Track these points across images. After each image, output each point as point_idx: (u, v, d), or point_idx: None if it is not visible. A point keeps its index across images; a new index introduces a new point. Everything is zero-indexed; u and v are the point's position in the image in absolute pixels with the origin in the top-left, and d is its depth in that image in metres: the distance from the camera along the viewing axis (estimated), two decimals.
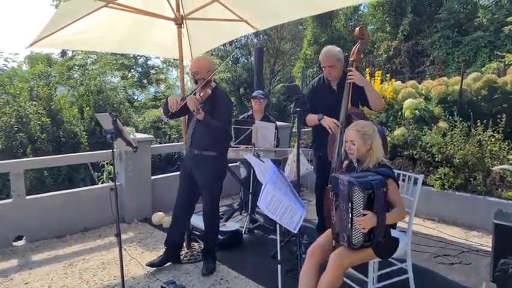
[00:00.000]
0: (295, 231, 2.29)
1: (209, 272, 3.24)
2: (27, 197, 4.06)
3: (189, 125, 3.33)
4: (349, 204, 2.17)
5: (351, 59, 3.15)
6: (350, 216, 2.18)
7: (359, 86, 3.12)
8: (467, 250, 3.62)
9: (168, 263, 3.40)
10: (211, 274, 3.24)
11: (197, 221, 3.81)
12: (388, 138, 5.05)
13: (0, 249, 3.84)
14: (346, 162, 2.61)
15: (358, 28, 3.20)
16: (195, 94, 3.05)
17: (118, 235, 2.72)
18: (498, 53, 7.79)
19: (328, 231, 2.53)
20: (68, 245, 3.97)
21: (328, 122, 3.15)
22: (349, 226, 2.20)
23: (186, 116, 3.55)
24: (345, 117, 3.08)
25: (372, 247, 2.27)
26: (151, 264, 3.31)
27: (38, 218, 4.06)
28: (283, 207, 2.22)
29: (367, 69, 6.80)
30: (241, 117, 4.86)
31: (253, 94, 4.66)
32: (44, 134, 7.72)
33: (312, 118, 3.30)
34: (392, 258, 2.53)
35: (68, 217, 4.22)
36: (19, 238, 4.08)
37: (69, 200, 4.28)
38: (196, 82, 3.18)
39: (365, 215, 2.14)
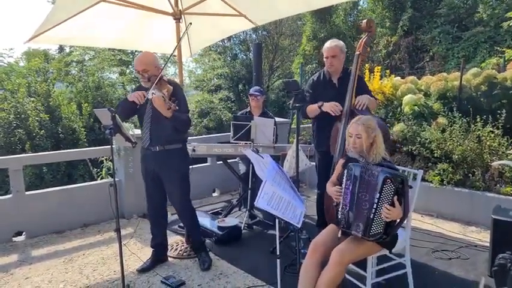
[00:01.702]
0: (299, 226, 2.30)
1: (207, 266, 3.25)
2: (26, 193, 4.06)
3: (143, 123, 3.16)
4: (378, 194, 2.19)
5: (357, 52, 3.13)
6: (374, 206, 2.20)
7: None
8: (465, 245, 3.63)
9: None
10: (210, 267, 3.25)
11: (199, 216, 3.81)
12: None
13: (1, 244, 3.85)
14: (342, 160, 2.58)
15: (365, 20, 3.17)
16: (149, 91, 2.87)
17: (118, 230, 2.72)
18: (498, 48, 7.79)
19: (330, 228, 2.53)
20: (67, 241, 3.98)
21: (328, 106, 3.15)
22: (371, 216, 2.21)
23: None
24: (348, 113, 3.08)
25: (383, 240, 2.29)
26: (142, 270, 3.24)
27: (38, 214, 4.06)
28: (284, 202, 2.23)
29: (366, 65, 6.78)
30: (239, 113, 4.85)
31: (250, 91, 4.66)
32: (43, 130, 7.71)
33: (312, 108, 3.30)
34: (391, 253, 2.53)
35: (67, 213, 4.23)
36: (19, 234, 4.08)
37: (69, 196, 4.28)
38: (148, 80, 2.96)
39: (393, 206, 2.16)
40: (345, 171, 2.38)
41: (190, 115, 3.22)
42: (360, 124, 2.42)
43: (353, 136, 2.43)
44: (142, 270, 3.24)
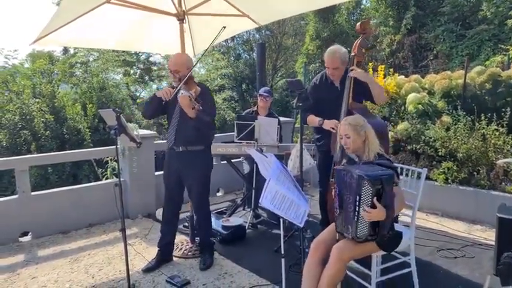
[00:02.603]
0: (301, 225, 2.30)
1: (207, 266, 3.27)
2: (32, 193, 4.09)
3: (171, 123, 3.23)
4: (357, 197, 2.17)
5: (352, 54, 3.16)
6: (357, 208, 2.18)
7: (360, 81, 3.12)
8: (470, 244, 3.62)
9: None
10: (209, 268, 3.26)
11: None
12: (391, 133, 5.05)
13: (7, 244, 3.88)
14: (344, 160, 2.61)
15: (359, 23, 3.19)
16: (178, 91, 2.95)
17: (123, 230, 2.74)
18: (502, 46, 7.75)
19: (332, 226, 2.54)
20: (73, 241, 4.01)
21: (329, 124, 3.17)
22: (355, 218, 2.20)
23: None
24: (346, 113, 3.09)
25: (376, 241, 2.28)
26: (147, 270, 3.25)
27: (44, 214, 4.09)
28: (287, 202, 2.23)
29: (370, 64, 6.77)
30: (245, 112, 4.87)
31: (260, 92, 4.68)
32: (48, 131, 7.75)
33: (312, 120, 3.33)
34: (396, 252, 2.53)
35: (72, 213, 4.25)
36: (25, 234, 4.11)
37: (74, 196, 4.31)
38: (179, 80, 3.05)
39: (375, 207, 2.13)
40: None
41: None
42: (346, 124, 2.44)
43: (343, 137, 2.45)
44: (147, 270, 3.26)
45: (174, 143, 3.20)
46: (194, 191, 3.28)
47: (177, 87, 2.99)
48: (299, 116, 3.41)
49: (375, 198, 2.13)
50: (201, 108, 2.91)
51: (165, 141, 7.25)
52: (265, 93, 4.59)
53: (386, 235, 2.25)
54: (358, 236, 2.22)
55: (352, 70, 3.10)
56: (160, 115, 3.46)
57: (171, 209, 3.38)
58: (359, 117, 2.49)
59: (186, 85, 2.98)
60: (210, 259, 3.35)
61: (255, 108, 4.71)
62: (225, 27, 3.21)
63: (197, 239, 3.74)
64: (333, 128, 3.13)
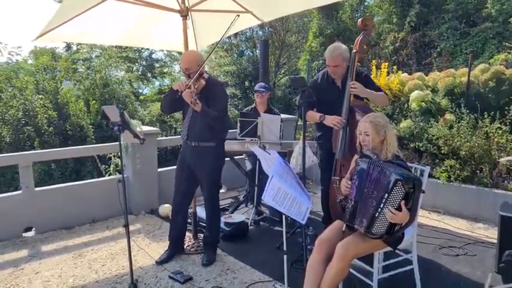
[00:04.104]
0: (303, 222, 2.31)
1: (210, 262, 3.29)
2: (36, 189, 4.12)
3: (185, 118, 3.33)
4: (386, 194, 2.15)
5: (354, 50, 3.14)
6: (381, 205, 2.17)
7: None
8: (472, 242, 3.62)
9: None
10: (210, 265, 3.27)
11: (203, 212, 3.84)
12: (394, 131, 5.03)
13: (11, 240, 3.91)
14: (356, 156, 2.60)
15: (360, 19, 3.18)
16: (189, 88, 3.05)
17: (126, 226, 2.76)
18: (506, 44, 7.70)
19: (336, 224, 2.54)
20: (76, 236, 4.03)
21: (330, 120, 3.16)
22: (376, 215, 2.19)
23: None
24: (347, 111, 3.09)
25: (385, 239, 2.28)
26: (161, 262, 3.31)
27: (47, 210, 4.12)
28: (290, 199, 2.24)
29: (373, 61, 6.75)
30: (244, 110, 4.87)
31: (255, 88, 4.67)
32: (51, 127, 7.79)
33: (312, 116, 3.31)
34: (398, 249, 2.54)
35: (76, 209, 4.28)
36: (28, 229, 4.14)
37: (78, 192, 4.33)
38: (189, 76, 3.15)
39: (400, 209, 2.12)
40: (356, 167, 2.39)
41: None
42: (367, 122, 2.43)
43: (362, 134, 2.45)
44: (161, 262, 3.31)
45: (187, 137, 3.27)
46: (205, 187, 3.33)
47: (187, 83, 3.07)
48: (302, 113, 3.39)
49: (402, 199, 2.12)
50: (198, 102, 2.99)
51: (168, 138, 7.29)
52: (260, 89, 4.57)
53: (401, 237, 2.26)
54: (373, 232, 2.22)
55: (352, 84, 3.05)
56: (178, 110, 3.50)
57: (179, 199, 3.41)
58: (381, 117, 2.49)
59: (194, 81, 3.07)
60: (213, 255, 3.37)
61: (254, 106, 4.70)
62: (239, 16, 3.29)
63: (200, 235, 3.76)
64: (334, 125, 3.13)
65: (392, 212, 2.13)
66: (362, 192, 2.30)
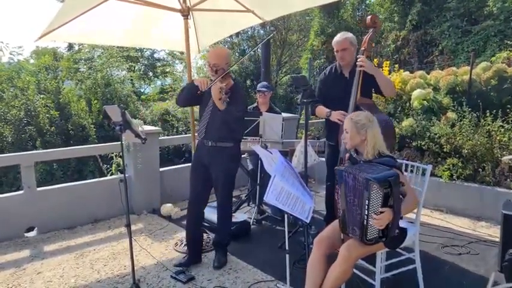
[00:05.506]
0: (307, 221, 2.30)
1: (221, 265, 3.25)
2: (38, 189, 4.12)
3: (203, 115, 3.23)
4: (366, 201, 2.11)
5: (362, 48, 3.12)
6: (366, 213, 2.13)
7: (370, 74, 3.10)
8: (475, 240, 3.62)
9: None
10: (221, 268, 3.23)
11: (207, 212, 3.83)
12: (396, 129, 5.02)
13: (13, 240, 3.91)
14: (347, 154, 2.59)
15: (369, 16, 3.15)
16: (216, 84, 2.98)
17: (128, 226, 2.76)
18: (508, 42, 7.68)
19: (336, 222, 2.53)
20: (78, 236, 4.04)
21: (335, 116, 3.15)
22: (364, 223, 2.16)
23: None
24: (353, 107, 3.07)
25: (384, 241, 2.27)
26: (179, 264, 3.24)
27: (49, 210, 4.12)
28: (293, 198, 2.23)
29: (375, 60, 6.73)
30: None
31: (258, 87, 4.65)
32: (53, 127, 7.78)
33: (321, 111, 3.31)
34: (400, 248, 2.53)
35: (78, 209, 4.28)
36: (30, 229, 4.15)
37: (79, 192, 4.34)
38: (215, 72, 3.08)
39: (382, 212, 2.09)
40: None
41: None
42: (349, 119, 2.43)
43: (344, 131, 2.45)
44: (180, 264, 3.24)
45: (204, 136, 3.20)
46: (220, 187, 3.25)
47: (214, 80, 3.00)
48: (304, 112, 3.38)
49: (384, 201, 2.09)
50: (228, 99, 2.92)
51: (170, 137, 7.28)
52: (263, 89, 4.56)
53: (395, 234, 2.25)
54: (368, 239, 2.19)
55: (360, 59, 3.05)
56: (193, 105, 3.48)
57: (196, 200, 3.29)
58: (365, 116, 2.42)
59: (222, 78, 3.02)
60: (224, 258, 3.31)
61: (255, 105, 4.69)
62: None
63: (205, 235, 3.73)
64: (339, 120, 3.12)
65: (376, 219, 2.10)
66: (346, 201, 2.27)
